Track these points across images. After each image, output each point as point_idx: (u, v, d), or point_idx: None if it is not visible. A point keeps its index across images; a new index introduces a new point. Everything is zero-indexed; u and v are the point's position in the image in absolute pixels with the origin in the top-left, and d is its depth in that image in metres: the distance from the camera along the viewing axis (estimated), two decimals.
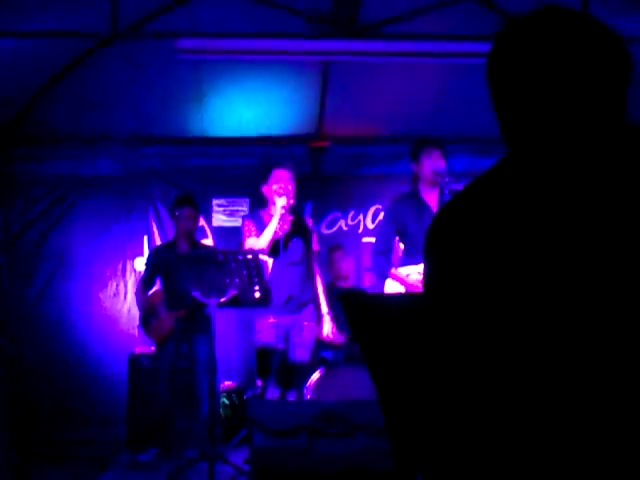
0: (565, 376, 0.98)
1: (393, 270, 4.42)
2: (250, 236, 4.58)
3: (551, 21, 1.13)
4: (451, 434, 1.10)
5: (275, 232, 4.50)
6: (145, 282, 5.18)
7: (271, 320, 4.54)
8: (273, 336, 4.55)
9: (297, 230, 4.65)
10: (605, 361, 0.97)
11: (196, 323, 4.93)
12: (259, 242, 4.49)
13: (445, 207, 1.17)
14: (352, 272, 5.89)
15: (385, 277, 4.44)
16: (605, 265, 0.98)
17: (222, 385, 5.52)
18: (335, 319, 4.82)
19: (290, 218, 4.63)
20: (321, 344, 5.27)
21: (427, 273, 1.15)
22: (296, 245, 4.62)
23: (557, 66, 1.10)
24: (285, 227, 4.61)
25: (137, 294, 5.26)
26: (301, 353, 4.61)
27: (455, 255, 1.07)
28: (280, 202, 4.45)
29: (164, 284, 5.04)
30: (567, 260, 0.99)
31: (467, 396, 1.06)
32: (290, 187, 4.54)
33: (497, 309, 1.02)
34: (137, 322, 5.21)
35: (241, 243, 4.70)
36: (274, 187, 4.54)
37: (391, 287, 4.42)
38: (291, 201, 4.53)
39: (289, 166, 4.56)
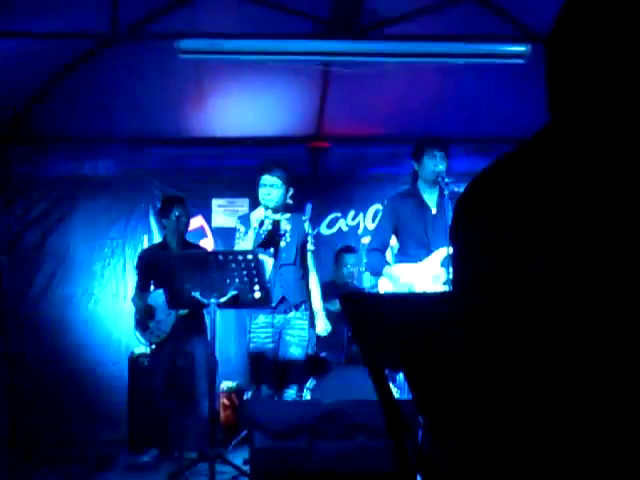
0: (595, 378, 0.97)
1: (387, 268, 4.40)
2: (238, 244, 4.60)
3: None
4: (452, 434, 1.10)
5: (259, 235, 4.53)
6: (140, 288, 5.14)
7: (263, 320, 4.55)
8: (265, 336, 4.56)
9: (291, 232, 4.65)
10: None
11: (196, 323, 4.92)
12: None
13: (475, 181, 1.10)
14: (355, 278, 5.92)
15: (379, 273, 4.43)
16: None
17: (222, 385, 5.52)
18: (328, 316, 4.82)
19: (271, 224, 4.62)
20: (321, 344, 5.27)
21: (457, 252, 1.10)
22: (290, 247, 4.62)
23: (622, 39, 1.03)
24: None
25: (133, 300, 5.20)
26: (294, 351, 4.61)
27: (487, 233, 1.03)
28: (254, 216, 4.47)
29: (163, 285, 5.01)
30: (598, 246, 0.96)
31: (470, 395, 1.06)
32: (274, 192, 4.53)
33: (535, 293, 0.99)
34: (133, 324, 5.16)
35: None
36: (260, 191, 4.55)
37: (385, 285, 4.42)
38: (271, 206, 4.52)
39: (277, 172, 4.55)
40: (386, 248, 4.59)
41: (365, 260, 4.65)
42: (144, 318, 5.03)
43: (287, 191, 4.62)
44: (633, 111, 1.02)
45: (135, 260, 5.53)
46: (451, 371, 1.09)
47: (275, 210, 4.57)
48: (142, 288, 5.12)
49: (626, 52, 1.04)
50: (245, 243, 4.50)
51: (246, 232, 4.53)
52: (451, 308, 1.14)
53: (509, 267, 1.01)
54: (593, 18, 1.06)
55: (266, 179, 4.54)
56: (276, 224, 4.60)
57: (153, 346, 5.05)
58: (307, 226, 4.74)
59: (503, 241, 1.02)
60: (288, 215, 4.69)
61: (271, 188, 4.53)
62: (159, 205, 5.57)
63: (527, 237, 1.00)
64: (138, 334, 5.08)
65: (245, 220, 4.61)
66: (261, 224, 4.49)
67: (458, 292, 1.13)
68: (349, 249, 5.89)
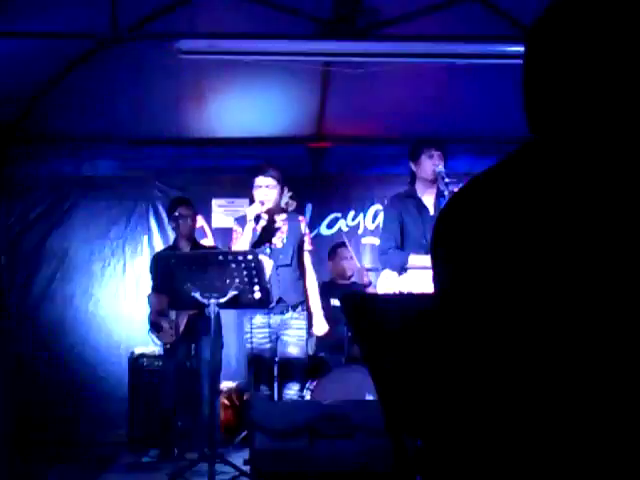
0: (578, 378, 0.98)
1: (411, 259, 4.31)
2: (235, 243, 4.61)
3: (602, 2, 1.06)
4: (452, 434, 1.10)
5: (255, 232, 4.55)
6: (155, 288, 5.14)
7: (260, 321, 4.55)
8: (263, 337, 4.56)
9: (288, 232, 4.66)
10: (619, 360, 0.97)
11: (203, 323, 4.92)
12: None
13: (456, 199, 1.12)
14: (354, 271, 5.89)
15: (404, 269, 4.34)
16: (625, 262, 0.96)
17: (222, 385, 5.52)
18: (328, 316, 4.82)
19: (264, 222, 4.63)
20: (321, 344, 5.27)
21: (438, 269, 1.12)
22: (286, 247, 4.63)
23: (601, 50, 1.04)
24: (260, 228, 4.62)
25: (148, 297, 5.21)
26: (293, 350, 4.61)
27: (469, 250, 1.05)
28: (250, 211, 4.48)
29: (166, 285, 5.01)
30: (585, 257, 0.97)
31: (471, 396, 1.06)
32: (270, 192, 4.55)
33: (513, 306, 1.01)
34: (148, 328, 5.15)
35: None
36: (255, 193, 4.57)
37: (385, 284, 4.40)
38: (269, 206, 4.53)
39: (271, 172, 4.56)
40: (399, 245, 4.49)
41: (385, 260, 4.55)
42: (157, 318, 5.04)
43: (282, 191, 4.63)
44: (618, 130, 1.03)
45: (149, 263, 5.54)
46: (449, 369, 1.09)
47: (271, 211, 4.58)
48: (157, 289, 5.13)
49: (607, 65, 1.04)
50: (240, 243, 4.50)
51: (242, 232, 4.54)
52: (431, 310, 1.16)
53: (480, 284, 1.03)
54: (572, 30, 1.06)
55: (261, 180, 4.55)
56: (271, 222, 4.61)
57: (168, 346, 5.04)
58: (304, 226, 4.74)
59: (476, 262, 1.04)
60: (284, 216, 4.70)
61: (267, 189, 4.54)
62: (160, 206, 5.59)
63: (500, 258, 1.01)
64: (154, 336, 5.07)
65: (241, 220, 4.61)
66: (257, 219, 4.51)
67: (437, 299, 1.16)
68: (341, 244, 5.86)
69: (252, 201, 4.64)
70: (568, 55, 1.06)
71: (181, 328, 4.97)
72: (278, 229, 4.64)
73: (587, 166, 1.02)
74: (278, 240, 4.62)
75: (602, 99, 1.04)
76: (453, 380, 1.08)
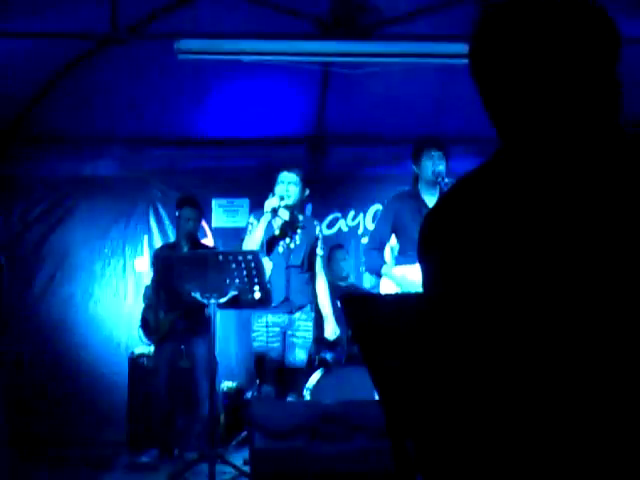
0: (567, 376, 0.98)
1: (385, 268, 4.40)
2: (248, 235, 4.59)
3: (530, 5, 1.12)
4: (451, 434, 1.10)
5: (271, 227, 4.54)
6: (155, 282, 5.17)
7: (267, 319, 4.54)
8: (269, 335, 4.56)
9: (302, 235, 4.66)
10: (603, 357, 0.97)
11: (196, 324, 4.92)
12: (247, 243, 4.51)
13: (438, 205, 1.15)
14: (351, 272, 5.90)
15: (377, 273, 4.43)
16: (603, 261, 0.97)
17: (222, 385, 5.52)
18: (336, 319, 4.83)
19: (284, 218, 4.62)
20: (322, 344, 5.27)
21: (426, 273, 1.13)
22: (299, 249, 4.62)
23: (542, 52, 1.08)
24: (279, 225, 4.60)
25: (146, 290, 5.23)
26: (299, 355, 4.61)
27: (453, 254, 1.06)
28: (268, 203, 4.46)
29: (164, 284, 5.02)
30: (566, 256, 0.98)
31: (468, 396, 1.06)
32: (292, 189, 4.55)
33: (498, 306, 1.02)
34: (138, 323, 5.19)
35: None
36: (277, 188, 4.56)
37: (386, 286, 4.41)
38: (288, 203, 4.52)
39: (296, 169, 4.57)
40: (384, 247, 4.59)
41: (363, 259, 4.65)
42: (148, 313, 5.05)
43: (303, 190, 4.63)
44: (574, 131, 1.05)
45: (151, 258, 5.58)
46: (448, 370, 1.09)
47: (292, 209, 4.58)
48: (156, 285, 5.14)
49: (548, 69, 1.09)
50: (254, 235, 4.48)
51: (257, 225, 4.52)
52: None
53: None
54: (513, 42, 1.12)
55: (285, 176, 4.55)
56: (294, 215, 4.60)
57: (155, 345, 5.06)
58: (318, 230, 4.75)
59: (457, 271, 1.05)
60: (301, 217, 4.70)
61: (289, 185, 4.54)
62: (160, 206, 5.59)
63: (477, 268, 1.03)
64: (141, 332, 5.09)
65: (259, 215, 4.59)
66: (274, 212, 4.49)
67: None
68: (337, 246, 5.88)
69: (257, 199, 4.63)
70: (517, 66, 1.12)
71: (167, 326, 4.97)
72: (294, 228, 4.63)
73: (554, 169, 1.04)
74: (292, 240, 4.62)
75: (554, 104, 1.08)
76: (452, 380, 1.07)
